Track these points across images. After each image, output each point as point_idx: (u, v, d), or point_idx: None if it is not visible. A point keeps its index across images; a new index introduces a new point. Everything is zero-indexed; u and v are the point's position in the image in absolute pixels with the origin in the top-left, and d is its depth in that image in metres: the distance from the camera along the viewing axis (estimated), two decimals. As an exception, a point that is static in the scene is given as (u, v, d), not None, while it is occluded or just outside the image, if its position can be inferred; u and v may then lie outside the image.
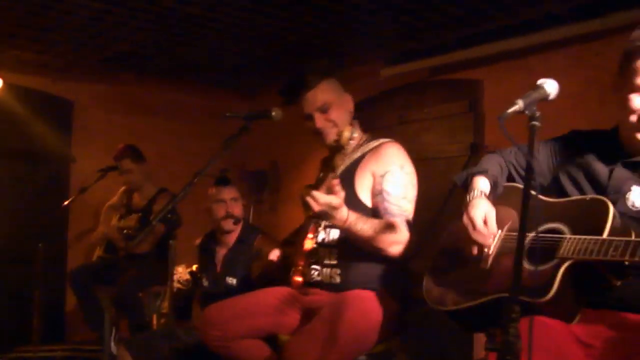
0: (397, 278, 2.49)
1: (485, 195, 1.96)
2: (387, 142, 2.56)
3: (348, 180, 2.48)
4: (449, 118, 4.49)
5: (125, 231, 4.22)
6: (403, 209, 2.41)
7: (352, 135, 2.49)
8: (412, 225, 2.43)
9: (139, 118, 5.76)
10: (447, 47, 4.36)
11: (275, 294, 2.64)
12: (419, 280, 3.07)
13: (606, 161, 1.80)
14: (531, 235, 1.72)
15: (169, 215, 2.12)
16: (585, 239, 1.55)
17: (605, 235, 1.56)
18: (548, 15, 3.75)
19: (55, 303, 5.18)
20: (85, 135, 5.53)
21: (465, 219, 1.91)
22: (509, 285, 1.69)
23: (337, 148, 2.49)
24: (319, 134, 2.58)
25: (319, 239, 2.53)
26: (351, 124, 2.60)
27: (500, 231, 1.91)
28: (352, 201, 2.43)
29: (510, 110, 1.49)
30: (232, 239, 3.55)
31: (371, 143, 2.58)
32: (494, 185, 2.02)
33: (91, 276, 4.40)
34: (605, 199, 1.65)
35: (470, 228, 1.89)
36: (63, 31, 4.18)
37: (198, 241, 3.77)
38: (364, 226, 2.30)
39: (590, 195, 1.76)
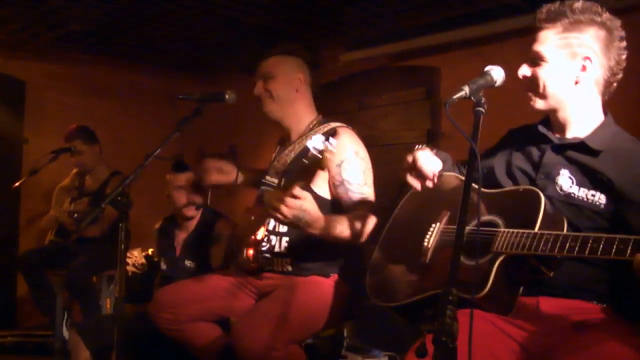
0: (350, 264, 2.50)
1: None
2: (337, 127, 2.54)
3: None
4: (406, 105, 4.53)
5: (75, 215, 4.13)
6: (366, 196, 2.43)
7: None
8: (373, 208, 2.44)
9: (94, 100, 5.64)
10: (406, 34, 4.38)
11: (227, 277, 2.64)
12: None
13: (539, 148, 1.81)
14: (469, 228, 1.73)
15: (119, 198, 2.09)
16: (517, 232, 1.56)
17: (537, 228, 1.56)
18: (504, 5, 3.80)
19: (7, 288, 5.08)
20: (38, 116, 5.39)
21: (405, 160, 1.91)
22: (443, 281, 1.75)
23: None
24: (258, 100, 2.60)
25: (270, 226, 2.51)
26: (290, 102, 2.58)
27: (438, 224, 1.90)
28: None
29: (456, 96, 1.51)
30: (192, 223, 3.53)
31: (322, 127, 2.56)
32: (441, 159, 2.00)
33: (42, 260, 4.30)
34: (537, 190, 1.65)
35: (407, 169, 1.89)
36: (14, 8, 4.05)
37: (157, 225, 3.73)
38: (337, 229, 2.29)
39: (523, 185, 1.76)
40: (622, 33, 1.73)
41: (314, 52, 2.72)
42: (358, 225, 2.33)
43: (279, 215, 2.10)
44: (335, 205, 2.45)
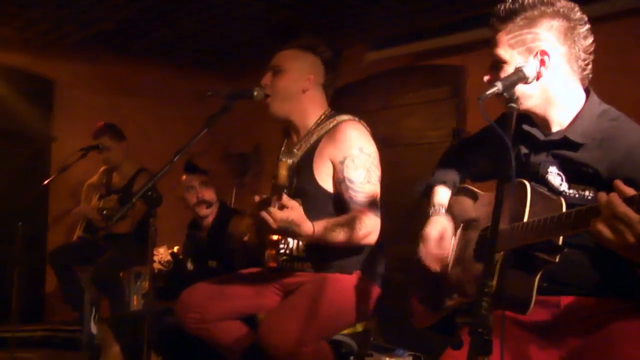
0: (374, 262, 2.48)
1: (444, 208, 1.98)
2: (343, 121, 2.43)
3: (307, 168, 2.42)
4: (432, 104, 4.52)
5: (104, 212, 4.19)
6: (369, 194, 2.33)
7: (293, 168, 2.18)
8: (378, 206, 2.36)
9: (121, 98, 5.71)
10: (432, 32, 4.37)
11: (253, 275, 2.63)
12: (400, 266, 3.11)
13: (525, 146, 1.77)
14: (478, 231, 1.74)
15: (149, 193, 2.11)
16: (509, 228, 1.55)
17: (525, 218, 1.55)
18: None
19: (35, 283, 5.16)
20: (66, 114, 5.48)
21: (421, 235, 1.93)
22: (467, 290, 1.77)
23: (277, 187, 2.15)
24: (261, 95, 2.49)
25: None
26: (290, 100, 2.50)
27: (453, 238, 1.92)
28: (314, 189, 2.40)
29: (489, 92, 1.50)
30: (209, 221, 3.55)
31: (328, 122, 2.48)
32: (453, 190, 2.05)
33: (71, 256, 4.37)
34: (522, 180, 1.62)
35: (421, 246, 1.90)
36: (44, 8, 4.12)
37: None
38: (334, 233, 2.23)
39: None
40: (582, 16, 1.68)
41: (335, 52, 2.59)
42: (356, 226, 2.25)
43: (265, 226, 2.08)
44: (336, 200, 2.39)
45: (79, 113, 5.50)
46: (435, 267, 1.88)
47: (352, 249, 2.38)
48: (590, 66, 1.71)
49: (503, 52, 1.68)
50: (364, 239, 2.29)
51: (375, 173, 2.38)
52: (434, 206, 2.00)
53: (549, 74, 1.65)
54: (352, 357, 2.56)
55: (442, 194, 2.03)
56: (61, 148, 5.25)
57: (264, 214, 2.07)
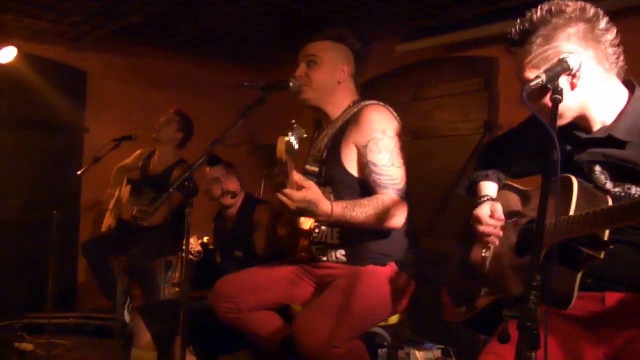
0: (407, 253, 2.48)
1: (491, 199, 1.96)
2: (366, 106, 2.45)
3: (335, 155, 2.45)
4: (463, 96, 4.47)
5: (137, 214, 4.19)
6: (393, 177, 2.34)
7: (293, 144, 2.11)
8: (404, 189, 2.36)
9: (152, 90, 5.76)
10: (464, 24, 4.32)
11: (287, 266, 2.64)
12: (430, 257, 3.10)
13: (568, 145, 1.73)
14: (519, 227, 1.72)
15: (186, 184, 2.13)
16: (554, 222, 1.52)
17: (571, 212, 1.53)
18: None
19: (68, 271, 5.24)
20: (98, 105, 5.55)
21: (472, 219, 1.90)
22: (505, 285, 1.75)
23: (276, 162, 2.17)
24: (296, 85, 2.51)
25: None
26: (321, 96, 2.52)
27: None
28: (343, 176, 2.42)
29: (533, 83, 1.47)
30: (233, 212, 3.57)
31: (353, 108, 2.50)
32: (499, 185, 2.04)
33: (104, 247, 4.42)
34: (568, 175, 1.59)
35: (477, 225, 1.88)
36: (77, 1, 4.17)
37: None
38: (354, 213, 2.24)
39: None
40: (596, 11, 1.62)
41: (365, 43, 2.60)
42: (379, 207, 2.26)
43: (285, 208, 2.11)
44: (363, 186, 2.40)
45: (110, 104, 5.57)
46: (497, 233, 1.85)
47: (383, 237, 2.39)
48: (622, 57, 1.66)
49: (531, 75, 1.62)
50: (388, 222, 2.30)
51: (399, 156, 2.38)
52: (481, 198, 1.97)
53: (582, 82, 1.61)
54: (384, 350, 2.56)
55: (488, 187, 2.02)
56: (93, 139, 5.33)
57: (281, 196, 2.09)
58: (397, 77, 4.93)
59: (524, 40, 1.64)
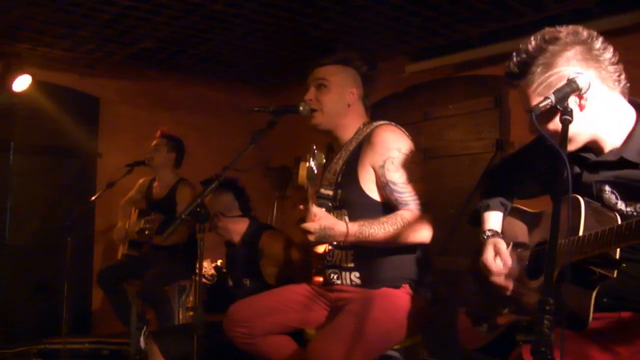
0: (421, 274, 2.46)
1: (494, 233, 1.97)
2: (378, 126, 2.47)
3: (351, 178, 2.45)
4: (474, 114, 4.48)
5: (147, 232, 4.21)
6: (414, 192, 2.34)
7: (313, 169, 2.13)
8: (427, 203, 2.35)
9: (163, 113, 5.82)
10: (473, 42, 4.33)
11: (300, 290, 2.64)
12: (445, 277, 3.08)
13: (576, 167, 1.72)
14: (528, 251, 1.72)
15: (198, 209, 2.14)
16: (564, 242, 1.51)
17: (580, 232, 1.52)
18: (576, 10, 3.71)
19: (83, 296, 5.26)
20: (111, 130, 5.61)
21: (480, 267, 1.90)
22: (516, 302, 1.74)
23: (297, 188, 2.33)
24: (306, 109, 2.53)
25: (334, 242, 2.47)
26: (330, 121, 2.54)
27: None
28: (360, 198, 2.41)
29: (542, 104, 1.48)
30: (237, 239, 3.47)
31: (365, 129, 2.52)
32: (505, 211, 2.04)
33: (118, 275, 4.43)
34: (575, 196, 1.58)
35: (488, 275, 1.88)
36: (90, 28, 4.23)
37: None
38: (371, 230, 2.24)
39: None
40: (590, 32, 1.63)
41: (371, 65, 2.63)
42: (397, 227, 2.26)
43: (307, 242, 2.18)
44: (386, 207, 2.40)
45: (123, 129, 5.63)
46: (508, 284, 1.84)
47: (398, 259, 2.39)
48: (623, 75, 1.66)
49: (535, 103, 1.60)
50: (412, 237, 2.29)
51: (417, 171, 2.39)
52: (484, 233, 1.98)
53: (590, 102, 1.61)
54: (399, 372, 2.53)
55: (491, 220, 2.02)
56: (106, 164, 5.38)
57: (302, 231, 2.16)
58: (407, 97, 4.94)
59: (524, 71, 1.64)
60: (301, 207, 2.22)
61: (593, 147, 1.69)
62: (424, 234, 2.31)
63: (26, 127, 5.15)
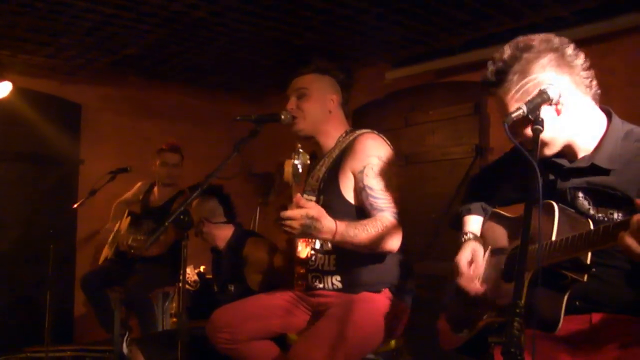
0: (402, 279, 2.50)
1: (474, 236, 2.02)
2: (361, 134, 2.53)
3: (333, 184, 2.49)
4: (454, 120, 4.54)
5: (132, 250, 4.20)
6: (389, 200, 2.38)
7: (298, 167, 2.16)
8: (399, 213, 2.39)
9: (146, 121, 5.81)
10: (453, 50, 4.40)
11: (283, 295, 2.67)
12: (426, 282, 3.12)
13: (550, 174, 1.77)
14: (505, 253, 1.76)
15: (181, 217, 2.16)
16: (536, 247, 1.55)
17: (553, 237, 1.56)
18: (552, 19, 3.78)
19: (65, 304, 5.23)
20: (93, 137, 5.59)
21: (453, 264, 1.95)
22: (495, 306, 1.79)
23: (282, 185, 2.31)
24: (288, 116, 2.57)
25: (316, 246, 2.51)
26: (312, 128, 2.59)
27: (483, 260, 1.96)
28: (339, 202, 2.45)
29: (514, 114, 1.52)
30: (222, 244, 3.50)
31: (347, 137, 2.58)
32: (485, 215, 2.09)
33: (101, 279, 4.40)
34: (550, 201, 1.63)
35: (455, 274, 1.92)
36: (73, 35, 4.23)
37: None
38: (356, 231, 2.27)
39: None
40: (562, 39, 1.69)
41: (348, 74, 2.71)
42: (378, 228, 2.29)
43: (288, 229, 2.13)
44: (360, 212, 2.44)
45: (105, 136, 5.62)
46: (473, 288, 1.89)
47: (379, 263, 2.42)
48: (594, 82, 1.72)
49: (513, 109, 1.63)
50: (386, 245, 2.32)
51: (394, 180, 2.43)
52: (465, 234, 2.03)
53: (566, 108, 1.66)
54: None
55: (471, 222, 2.07)
56: (88, 171, 5.35)
57: (283, 214, 2.11)
58: (388, 103, 4.99)
59: (501, 79, 1.69)
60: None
61: (567, 152, 1.75)
62: (396, 242, 2.35)
63: (7, 134, 5.12)
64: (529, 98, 1.60)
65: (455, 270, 1.93)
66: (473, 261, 1.92)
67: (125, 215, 4.61)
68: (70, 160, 5.45)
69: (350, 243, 2.28)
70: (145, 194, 4.65)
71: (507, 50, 1.70)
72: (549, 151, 1.72)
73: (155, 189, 4.62)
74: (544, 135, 1.60)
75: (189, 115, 6.09)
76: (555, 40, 1.68)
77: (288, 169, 2.14)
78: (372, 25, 4.00)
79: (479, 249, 1.96)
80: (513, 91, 1.67)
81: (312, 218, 2.13)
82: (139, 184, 4.75)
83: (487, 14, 3.81)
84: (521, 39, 1.70)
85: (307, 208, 2.13)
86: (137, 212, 4.61)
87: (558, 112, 1.66)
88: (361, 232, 2.28)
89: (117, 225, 4.58)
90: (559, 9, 3.70)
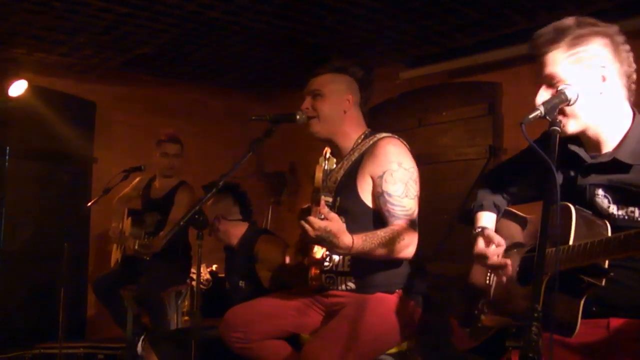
0: (414, 280, 2.50)
1: (484, 230, 1.99)
2: (382, 138, 2.50)
3: (350, 186, 2.48)
4: (467, 121, 4.51)
5: (139, 248, 4.19)
6: (406, 208, 2.37)
7: (328, 173, 2.20)
8: (416, 221, 2.39)
9: (160, 119, 5.82)
10: (467, 50, 4.38)
11: (296, 295, 2.67)
12: (438, 283, 3.11)
13: (571, 168, 1.76)
14: (520, 255, 1.76)
15: (197, 216, 2.16)
16: (553, 250, 1.54)
17: (571, 241, 1.56)
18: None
19: (78, 301, 5.26)
20: (107, 136, 5.63)
21: (475, 258, 1.93)
22: (510, 311, 1.77)
23: (313, 190, 2.21)
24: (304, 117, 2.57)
25: None
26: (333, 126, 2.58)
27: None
28: (357, 206, 2.44)
29: (532, 115, 1.51)
30: (235, 242, 3.54)
31: (367, 140, 2.55)
32: (498, 213, 2.07)
33: (113, 282, 4.43)
34: (567, 204, 1.62)
35: (482, 263, 1.90)
36: (88, 34, 4.26)
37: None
38: (372, 245, 2.25)
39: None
40: (623, 37, 1.70)
41: (367, 70, 2.68)
42: (395, 239, 2.28)
43: (304, 234, 2.12)
44: (376, 215, 2.43)
45: (118, 134, 5.65)
46: (503, 261, 1.84)
47: (393, 265, 2.42)
48: (634, 85, 1.73)
49: (561, 71, 1.67)
50: (401, 253, 2.32)
51: (413, 188, 2.42)
52: (476, 229, 2.01)
53: (608, 90, 1.66)
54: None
55: (484, 218, 2.05)
56: (102, 169, 5.38)
57: (303, 222, 2.11)
58: (401, 103, 4.98)
59: (557, 37, 1.69)
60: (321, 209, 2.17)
61: (590, 143, 1.74)
62: (411, 250, 2.35)
63: (22, 132, 5.14)
64: (546, 99, 1.59)
65: (480, 261, 1.90)
66: (489, 242, 1.89)
67: (126, 215, 4.62)
68: (84, 159, 5.48)
69: (367, 255, 2.28)
70: (144, 189, 4.67)
71: (573, 19, 1.71)
72: (573, 127, 1.70)
73: (156, 182, 4.63)
74: (579, 104, 1.61)
75: (202, 114, 6.11)
76: (619, 32, 1.71)
77: (319, 175, 2.15)
78: (386, 24, 3.99)
79: (490, 231, 1.93)
80: (569, 52, 1.68)
81: (329, 232, 2.11)
82: (137, 179, 4.75)
83: (501, 14, 3.78)
84: (589, 17, 1.72)
85: (328, 220, 2.12)
86: (137, 208, 4.61)
87: (604, 78, 1.66)
88: (377, 245, 2.26)
89: (121, 225, 4.60)
90: (573, 9, 3.67)
